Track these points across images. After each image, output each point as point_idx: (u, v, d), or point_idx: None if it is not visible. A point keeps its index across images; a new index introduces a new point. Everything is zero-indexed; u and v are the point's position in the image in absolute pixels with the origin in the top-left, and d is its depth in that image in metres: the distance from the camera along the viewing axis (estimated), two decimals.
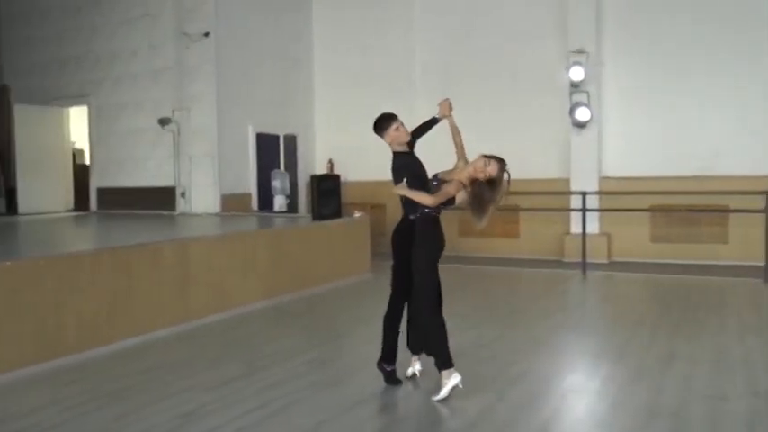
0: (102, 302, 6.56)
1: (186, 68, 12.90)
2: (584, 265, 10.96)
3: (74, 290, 6.30)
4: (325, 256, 9.91)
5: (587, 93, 11.91)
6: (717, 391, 5.08)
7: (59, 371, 5.85)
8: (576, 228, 11.94)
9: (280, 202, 12.68)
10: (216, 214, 12.48)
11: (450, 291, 9.69)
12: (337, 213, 10.71)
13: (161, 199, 13.16)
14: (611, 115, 12.26)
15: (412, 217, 5.10)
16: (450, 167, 5.28)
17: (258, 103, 13.42)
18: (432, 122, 5.50)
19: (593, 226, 11.81)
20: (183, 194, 13.02)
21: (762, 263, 9.96)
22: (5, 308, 5.71)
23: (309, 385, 5.34)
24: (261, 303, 8.49)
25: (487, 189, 5.03)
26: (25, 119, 14.37)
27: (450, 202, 5.06)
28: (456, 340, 6.56)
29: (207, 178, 12.74)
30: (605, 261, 11.88)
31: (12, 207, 14.45)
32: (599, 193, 11.99)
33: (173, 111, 12.95)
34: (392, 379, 5.31)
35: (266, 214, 12.52)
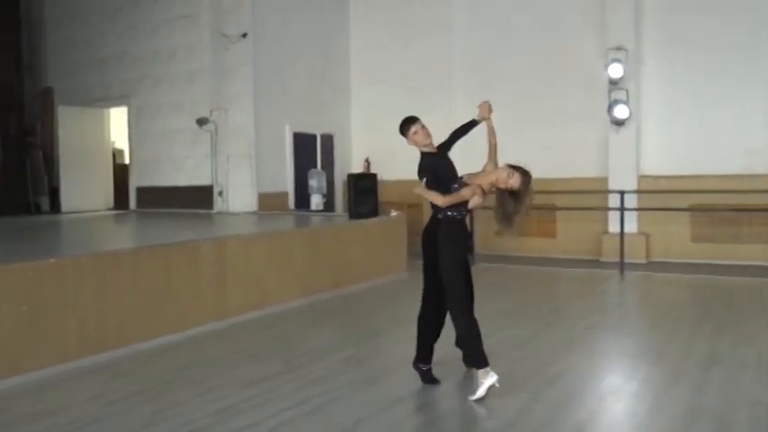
0: (142, 299, 6.67)
1: (224, 69, 13.04)
2: (621, 265, 10.84)
3: (114, 287, 6.42)
4: (361, 254, 9.95)
5: (626, 90, 11.77)
6: (760, 395, 4.99)
7: (101, 366, 5.96)
8: (613, 227, 11.82)
9: (316, 200, 12.76)
10: (253, 213, 12.60)
11: (486, 290, 9.68)
12: (374, 212, 10.74)
13: (199, 198, 13.32)
14: (651, 113, 12.10)
15: (440, 216, 5.13)
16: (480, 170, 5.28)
17: (295, 102, 13.52)
18: (471, 125, 5.51)
19: (631, 225, 11.68)
20: (220, 193, 13.17)
21: None
22: (49, 304, 5.84)
23: (347, 383, 5.37)
24: (298, 301, 8.56)
25: (510, 200, 5.04)
26: (67, 120, 14.67)
27: (464, 205, 5.06)
28: (492, 340, 6.55)
29: (244, 177, 12.87)
30: (644, 261, 11.73)
31: (55, 205, 14.78)
32: (637, 191, 11.84)
33: (210, 111, 13.10)
34: (429, 378, 5.32)
35: (303, 213, 12.60)
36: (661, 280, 10.46)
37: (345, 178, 13.25)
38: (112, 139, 15.87)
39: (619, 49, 11.76)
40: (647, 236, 12.00)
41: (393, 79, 14.37)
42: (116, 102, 14.93)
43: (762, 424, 4.46)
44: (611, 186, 11.94)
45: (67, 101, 15.05)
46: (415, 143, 5.27)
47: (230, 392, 5.16)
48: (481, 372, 4.92)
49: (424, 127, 5.27)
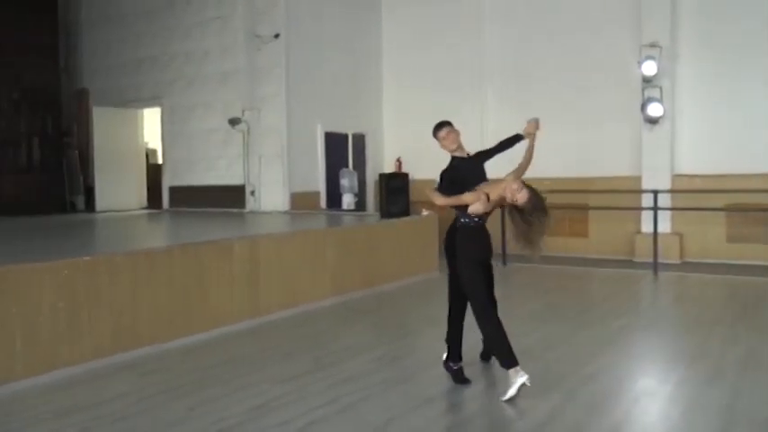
0: (175, 298, 6.75)
1: (257, 70, 13.13)
2: (655, 266, 10.71)
3: (148, 285, 6.50)
4: (393, 254, 9.96)
5: (660, 87, 11.62)
6: None
7: (135, 362, 6.05)
8: (647, 227, 11.68)
9: (348, 200, 12.80)
10: (285, 212, 12.67)
11: (518, 290, 9.66)
12: (405, 212, 10.75)
13: (231, 197, 13.43)
14: (685, 110, 11.93)
15: (457, 224, 5.23)
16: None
17: (327, 102, 13.57)
18: (515, 139, 5.58)
19: (664, 225, 11.54)
20: (252, 193, 13.27)
21: None
22: (84, 301, 5.93)
23: (378, 382, 5.38)
24: (329, 300, 8.59)
25: (517, 217, 4.98)
26: (102, 120, 14.89)
27: (464, 208, 5.07)
28: (525, 340, 6.53)
29: (276, 177, 12.95)
30: (677, 261, 11.59)
31: (90, 204, 15.01)
32: (671, 191, 11.70)
33: (243, 111, 13.20)
34: (459, 377, 5.32)
35: (335, 212, 12.64)
36: (696, 280, 10.31)
37: (377, 178, 13.30)
38: (146, 139, 16.07)
39: (653, 45, 11.62)
40: (680, 236, 11.84)
41: (425, 78, 14.36)
42: (149, 102, 15.11)
43: None
44: (645, 186, 11.81)
45: (102, 102, 15.28)
46: (444, 147, 5.40)
47: (262, 390, 5.19)
48: (512, 371, 4.89)
49: (452, 132, 5.37)
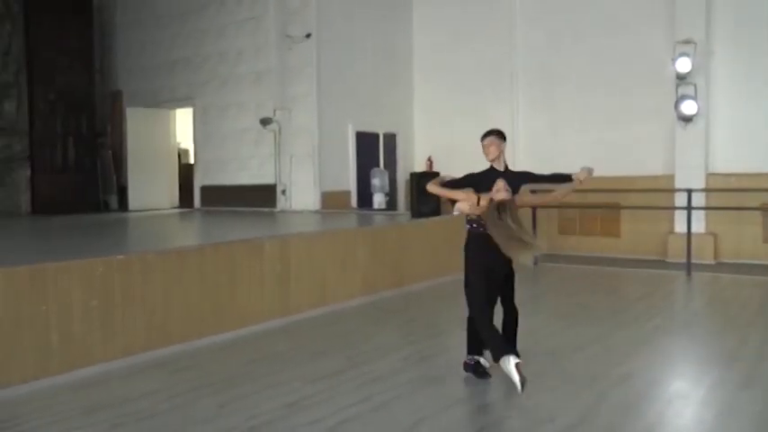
0: (207, 296, 6.81)
1: (288, 70, 13.21)
2: (688, 266, 10.55)
3: (180, 283, 6.57)
4: (423, 253, 9.94)
5: (694, 85, 11.47)
6: None
7: (167, 360, 6.11)
8: (680, 227, 11.52)
9: (379, 199, 12.82)
10: (315, 211, 12.73)
11: (549, 290, 9.60)
12: (436, 211, 10.72)
13: (262, 196, 13.53)
14: (720, 108, 11.75)
15: (466, 225, 5.47)
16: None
17: (358, 102, 13.61)
18: (564, 178, 5.60)
19: (698, 225, 11.37)
20: (283, 192, 13.35)
21: None
22: (118, 299, 6.01)
23: (409, 382, 5.38)
24: (359, 300, 8.61)
25: (497, 216, 5.02)
26: (135, 121, 15.10)
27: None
28: (557, 340, 6.50)
29: (307, 176, 13.02)
30: (712, 262, 11.42)
31: (123, 203, 15.22)
32: (705, 190, 11.53)
33: (274, 111, 13.29)
34: (479, 372, 5.37)
35: (365, 212, 12.67)
36: (730, 281, 10.15)
37: (408, 177, 13.29)
38: (178, 139, 16.24)
39: (687, 42, 11.46)
40: (715, 236, 11.67)
41: (455, 78, 14.34)
42: (182, 103, 15.29)
43: None
44: (678, 185, 11.66)
45: (136, 102, 15.49)
46: (484, 155, 5.52)
47: (293, 388, 5.21)
48: (502, 362, 4.88)
49: (493, 144, 5.48)
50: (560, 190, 5.57)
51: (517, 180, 5.46)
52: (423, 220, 10.30)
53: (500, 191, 5.08)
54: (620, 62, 12.50)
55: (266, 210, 13.31)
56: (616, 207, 12.30)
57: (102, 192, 15.51)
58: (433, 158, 14.47)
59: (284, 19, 13.24)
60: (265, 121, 13.27)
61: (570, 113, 13.00)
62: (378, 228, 10.05)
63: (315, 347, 6.59)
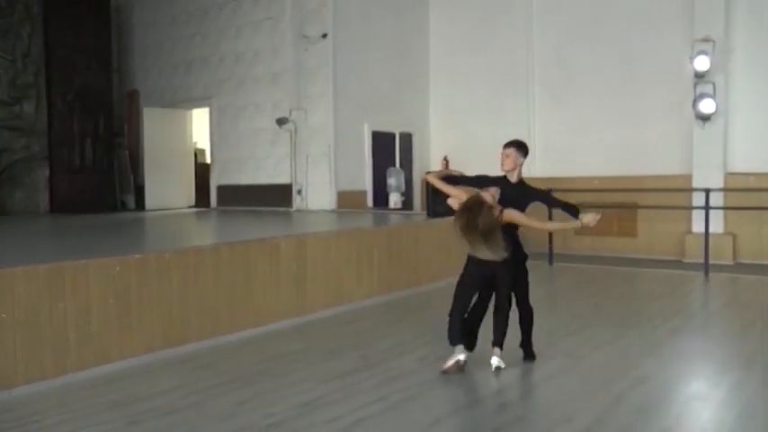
0: (223, 294, 6.83)
1: (304, 70, 13.24)
2: (706, 267, 10.46)
3: (196, 282, 6.59)
4: (439, 253, 9.91)
5: (713, 83, 11.37)
6: None
7: (183, 358, 6.14)
8: (698, 227, 11.42)
9: (395, 199, 12.83)
10: (331, 211, 12.74)
11: (564, 290, 9.57)
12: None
13: (278, 196, 13.56)
14: (740, 107, 11.64)
15: None
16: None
17: (374, 101, 13.62)
18: (573, 214, 5.62)
19: (716, 225, 11.28)
20: (299, 191, 13.37)
21: None
22: (135, 297, 6.05)
23: (425, 381, 5.37)
24: (375, 299, 8.61)
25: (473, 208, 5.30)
26: (152, 121, 15.16)
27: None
28: (571, 340, 6.48)
29: (323, 176, 13.04)
30: (730, 263, 11.32)
31: (140, 203, 15.31)
32: (724, 189, 11.43)
33: (290, 111, 13.32)
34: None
35: (381, 211, 12.67)
36: (749, 282, 10.05)
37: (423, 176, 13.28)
38: (194, 139, 16.31)
39: (706, 40, 11.37)
40: (734, 236, 11.57)
41: (472, 77, 14.31)
42: (198, 103, 15.34)
43: None
44: (696, 184, 11.56)
45: (153, 102, 15.57)
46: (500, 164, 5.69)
47: (309, 387, 5.22)
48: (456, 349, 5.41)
49: (510, 156, 5.63)
50: (557, 225, 5.63)
51: (525, 197, 5.61)
52: (438, 220, 10.27)
53: (487, 192, 5.30)
54: (638, 60, 12.42)
55: (282, 209, 13.34)
56: (633, 207, 12.22)
57: (119, 191, 15.60)
58: (449, 158, 14.45)
59: (301, 19, 13.27)
60: (281, 121, 13.29)
61: (587, 112, 12.94)
62: (393, 227, 10.04)
63: (331, 347, 6.59)
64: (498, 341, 5.57)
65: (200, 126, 15.91)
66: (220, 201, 14.97)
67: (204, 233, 10.99)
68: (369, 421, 4.54)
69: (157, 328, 6.22)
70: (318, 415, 4.65)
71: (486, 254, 5.21)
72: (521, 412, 4.91)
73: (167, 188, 15.15)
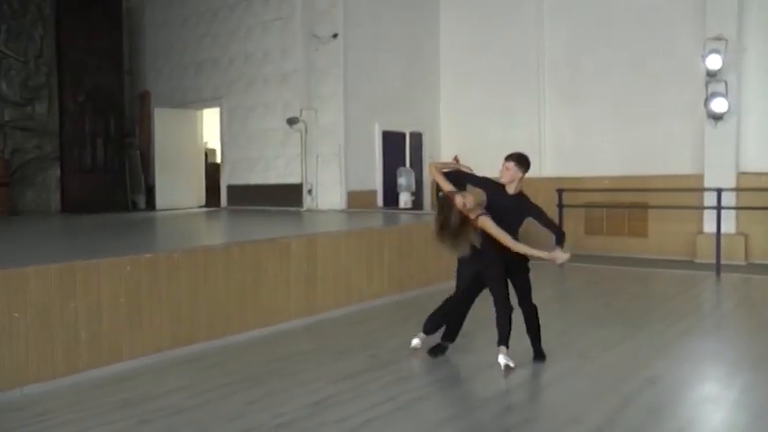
0: (233, 294, 6.84)
1: (315, 70, 13.25)
2: (718, 267, 10.39)
3: (206, 281, 6.61)
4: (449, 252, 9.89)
5: (725, 82, 11.29)
6: None
7: (193, 357, 6.15)
8: (709, 227, 11.35)
9: (405, 198, 12.82)
10: (341, 211, 12.75)
11: (575, 290, 9.54)
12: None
13: (288, 196, 13.57)
14: (752, 106, 11.56)
15: None
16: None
17: (384, 101, 13.62)
18: (556, 238, 5.76)
19: (728, 225, 11.20)
20: (310, 191, 13.38)
21: None
22: (145, 296, 6.07)
23: (435, 381, 5.37)
24: (385, 299, 8.61)
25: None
26: (163, 121, 15.22)
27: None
28: (583, 341, 6.45)
29: (333, 176, 13.05)
30: (742, 263, 11.24)
31: (150, 203, 15.37)
32: (736, 189, 11.35)
33: (301, 111, 13.33)
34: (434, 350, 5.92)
35: (391, 211, 12.66)
36: (761, 283, 9.98)
37: None
38: (205, 139, 16.36)
39: (718, 39, 11.28)
40: (746, 236, 11.49)
41: (482, 77, 14.27)
42: (209, 103, 15.37)
43: None
44: (708, 184, 11.49)
45: (164, 103, 15.62)
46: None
47: (318, 387, 5.22)
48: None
49: (510, 170, 5.69)
50: (524, 248, 5.54)
51: (519, 211, 5.65)
52: None
53: (465, 198, 5.50)
54: (649, 59, 12.35)
55: (292, 209, 13.35)
56: (644, 207, 12.16)
57: (130, 191, 15.66)
58: (460, 157, 14.40)
59: (311, 19, 13.28)
60: (292, 121, 13.31)
61: (597, 112, 12.88)
62: (404, 227, 10.03)
63: (340, 346, 6.59)
64: (501, 339, 5.55)
65: (210, 126, 15.95)
66: (231, 200, 15.00)
67: (214, 233, 11.02)
68: (378, 421, 4.54)
69: (168, 327, 6.24)
70: (328, 415, 4.65)
71: (455, 251, 5.57)
72: (531, 413, 4.90)
73: (178, 188, 15.20)
